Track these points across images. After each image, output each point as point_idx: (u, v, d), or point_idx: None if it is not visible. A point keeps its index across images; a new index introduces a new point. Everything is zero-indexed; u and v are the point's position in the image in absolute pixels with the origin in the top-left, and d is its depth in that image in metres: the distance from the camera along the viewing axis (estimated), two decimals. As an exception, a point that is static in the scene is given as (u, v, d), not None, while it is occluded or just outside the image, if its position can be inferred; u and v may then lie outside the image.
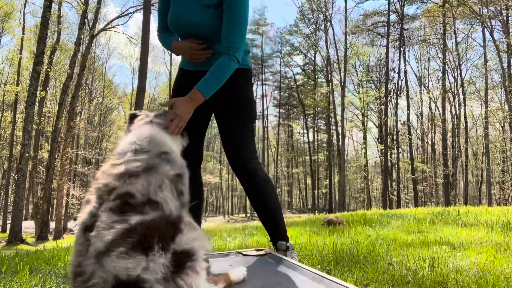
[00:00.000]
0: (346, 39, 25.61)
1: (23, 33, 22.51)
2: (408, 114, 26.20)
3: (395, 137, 26.16)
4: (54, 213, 21.28)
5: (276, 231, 1.82)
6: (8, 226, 13.36)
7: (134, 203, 0.89)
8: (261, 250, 1.76)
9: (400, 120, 28.07)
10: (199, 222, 1.80)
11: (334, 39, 27.08)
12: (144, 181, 0.94)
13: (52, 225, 16.47)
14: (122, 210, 0.87)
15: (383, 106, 25.95)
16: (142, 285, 0.76)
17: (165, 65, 32.42)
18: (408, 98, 26.26)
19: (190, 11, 1.59)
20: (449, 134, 27.13)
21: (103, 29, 18.58)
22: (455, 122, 26.92)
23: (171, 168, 1.03)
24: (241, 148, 1.70)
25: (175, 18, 1.64)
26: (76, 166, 23.75)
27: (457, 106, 26.88)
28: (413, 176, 24.64)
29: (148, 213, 0.88)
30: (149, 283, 0.76)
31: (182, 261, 0.81)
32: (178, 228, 0.87)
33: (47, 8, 11.60)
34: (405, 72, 26.88)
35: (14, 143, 23.00)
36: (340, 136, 25.45)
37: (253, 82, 1.95)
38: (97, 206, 0.89)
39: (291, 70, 35.29)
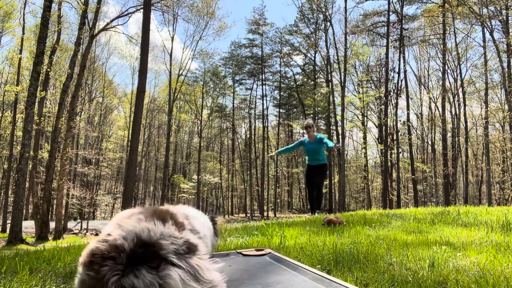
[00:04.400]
0: (346, 39, 25.60)
1: (23, 33, 22.50)
2: (408, 114, 26.20)
3: (395, 137, 26.15)
4: (54, 213, 21.28)
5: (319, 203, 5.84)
6: (8, 226, 13.36)
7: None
8: (261, 250, 1.76)
9: (400, 120, 28.08)
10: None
11: (334, 39, 27.09)
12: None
13: (52, 225, 16.47)
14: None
15: (383, 106, 25.95)
16: (159, 250, 0.80)
17: (165, 65, 32.40)
18: (408, 98, 26.26)
19: (318, 147, 5.86)
20: (449, 134, 27.12)
21: (103, 29, 18.57)
22: (455, 122, 26.92)
23: None
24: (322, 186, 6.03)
25: (311, 150, 5.90)
26: (76, 166, 23.75)
27: (457, 106, 26.89)
28: (413, 176, 24.63)
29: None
30: (166, 250, 0.80)
31: (191, 249, 0.87)
32: (184, 221, 0.99)
33: (47, 8, 11.60)
34: (405, 72, 26.90)
35: (14, 143, 22.99)
36: (340, 136, 25.45)
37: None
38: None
39: (291, 70, 35.31)
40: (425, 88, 31.70)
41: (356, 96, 30.62)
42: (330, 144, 5.81)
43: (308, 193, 6.10)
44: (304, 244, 2.44)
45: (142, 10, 13.74)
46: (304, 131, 6.02)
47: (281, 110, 36.34)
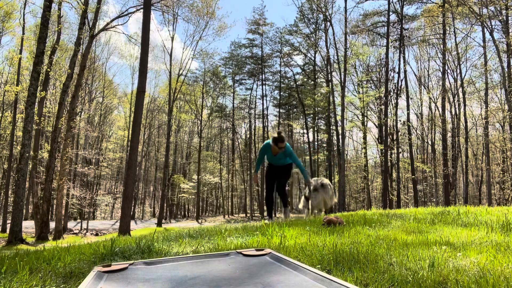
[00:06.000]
0: (346, 39, 25.59)
1: (23, 33, 22.50)
2: (408, 114, 26.20)
3: (395, 137, 26.16)
4: (54, 213, 21.27)
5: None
6: (8, 226, 13.36)
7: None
8: (261, 250, 1.76)
9: (400, 120, 28.07)
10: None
11: (334, 39, 27.06)
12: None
13: (52, 225, 16.47)
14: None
15: (383, 106, 25.95)
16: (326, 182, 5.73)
17: (165, 65, 32.41)
18: (408, 98, 26.26)
19: (283, 159, 5.24)
20: (449, 134, 27.12)
21: (103, 29, 18.57)
22: (455, 122, 26.91)
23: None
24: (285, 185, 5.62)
25: (276, 162, 5.31)
26: (76, 166, 23.74)
27: (457, 106, 26.88)
28: (413, 176, 24.64)
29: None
30: (327, 182, 5.69)
31: (329, 184, 5.71)
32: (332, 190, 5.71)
33: (47, 8, 11.60)
34: (405, 72, 26.90)
35: (14, 143, 22.99)
36: (340, 136, 25.45)
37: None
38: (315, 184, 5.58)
39: (291, 70, 35.31)
40: (425, 88, 31.71)
41: (356, 96, 30.63)
42: (306, 176, 5.27)
43: (266, 194, 5.48)
44: (304, 244, 2.44)
45: (142, 10, 13.73)
46: (273, 143, 4.98)
47: (281, 110, 36.33)
